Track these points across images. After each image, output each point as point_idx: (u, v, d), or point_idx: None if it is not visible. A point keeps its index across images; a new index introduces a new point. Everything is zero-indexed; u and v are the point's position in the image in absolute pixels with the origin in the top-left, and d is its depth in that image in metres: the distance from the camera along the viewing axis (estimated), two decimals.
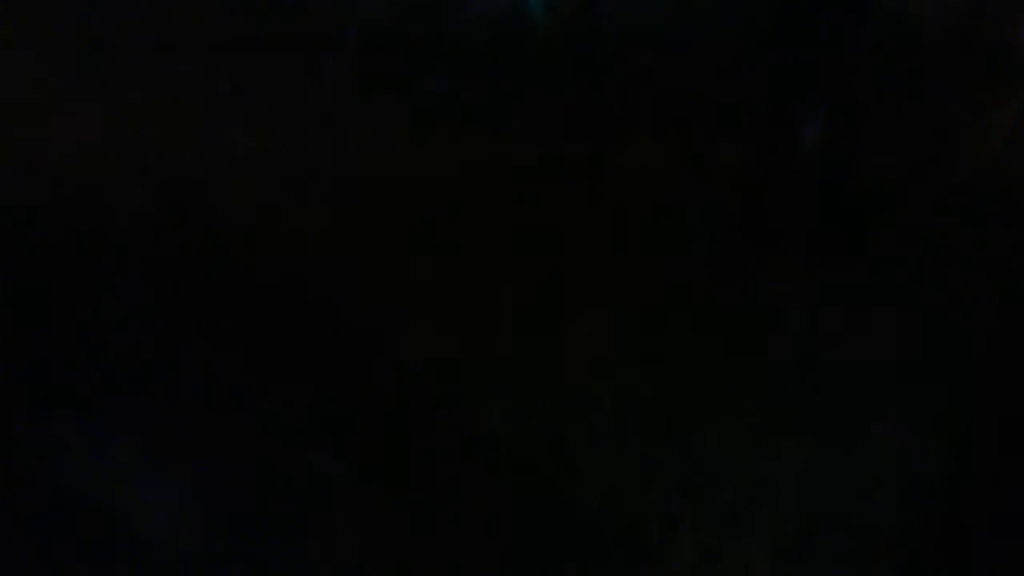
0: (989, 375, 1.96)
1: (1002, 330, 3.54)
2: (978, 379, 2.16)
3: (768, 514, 2.57)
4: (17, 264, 4.48)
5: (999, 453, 1.93)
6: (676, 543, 2.44)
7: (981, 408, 2.08)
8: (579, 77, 9.32)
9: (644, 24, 10.82)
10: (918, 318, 4.05)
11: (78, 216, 5.26)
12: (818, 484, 2.74)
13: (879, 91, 6.40)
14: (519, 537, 2.47)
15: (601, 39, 9.94)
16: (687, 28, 10.40)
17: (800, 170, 5.18)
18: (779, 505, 2.62)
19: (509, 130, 8.14)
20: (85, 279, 4.36)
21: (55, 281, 4.31)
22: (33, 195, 5.65)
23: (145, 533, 2.46)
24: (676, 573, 2.35)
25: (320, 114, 8.09)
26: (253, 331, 3.87)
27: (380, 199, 5.90)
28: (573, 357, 3.72)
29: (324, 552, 2.43)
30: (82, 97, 7.72)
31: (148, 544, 2.41)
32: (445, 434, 3.12)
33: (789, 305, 4.27)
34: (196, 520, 2.56)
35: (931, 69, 7.42)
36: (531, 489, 2.75)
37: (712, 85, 8.17)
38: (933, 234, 5.20)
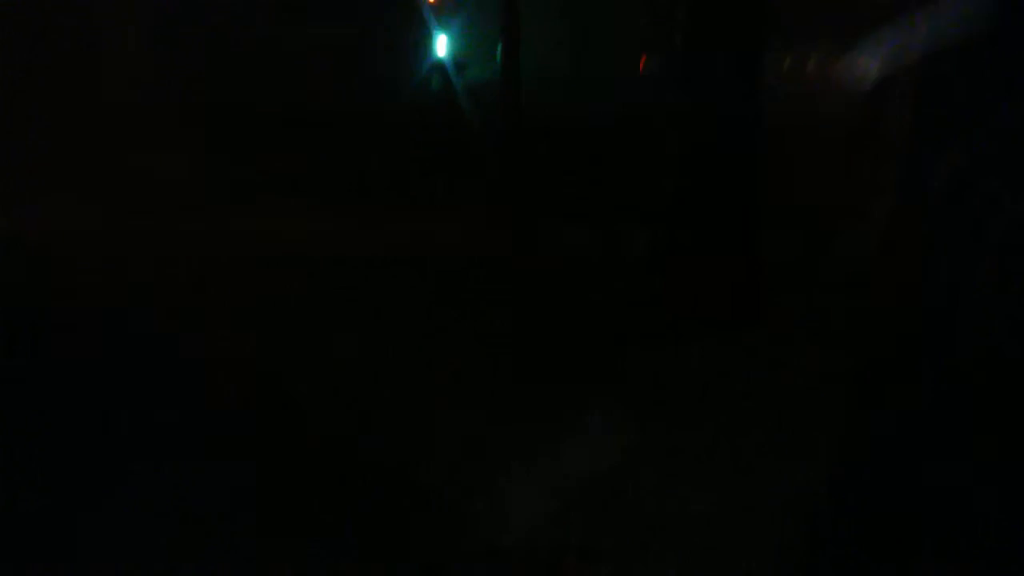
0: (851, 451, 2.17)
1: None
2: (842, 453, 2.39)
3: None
4: None
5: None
6: None
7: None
8: (496, 161, 9.78)
9: (558, 112, 11.41)
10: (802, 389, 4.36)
11: None
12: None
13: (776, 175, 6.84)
14: None
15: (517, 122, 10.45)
16: (598, 115, 10.97)
17: (701, 247, 5.48)
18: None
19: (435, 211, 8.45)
20: None
21: None
22: None
23: None
24: None
25: None
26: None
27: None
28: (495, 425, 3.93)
29: None
30: None
31: None
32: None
33: (691, 373, 4.55)
34: None
35: (817, 155, 7.94)
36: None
37: (621, 170, 8.63)
38: (823, 307, 5.53)
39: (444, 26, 13.76)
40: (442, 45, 13.18)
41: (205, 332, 5.09)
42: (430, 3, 13.87)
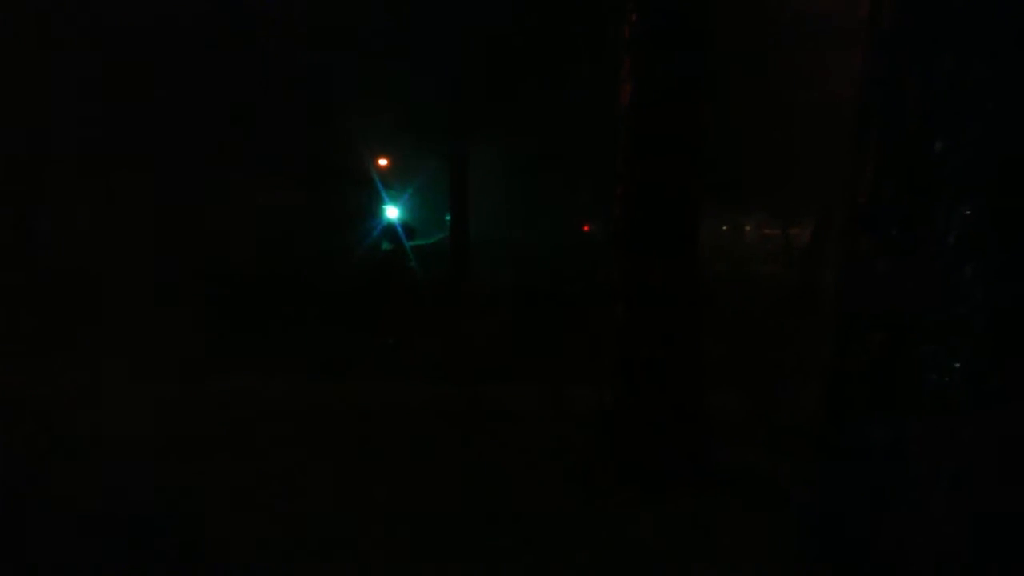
0: None
1: None
2: None
3: None
4: None
5: None
6: None
7: None
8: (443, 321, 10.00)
9: (503, 274, 11.75)
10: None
11: None
12: None
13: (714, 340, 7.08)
14: None
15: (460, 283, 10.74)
16: (541, 278, 11.33)
17: (643, 410, 5.56)
18: None
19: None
20: None
21: None
22: None
23: None
24: None
25: None
26: None
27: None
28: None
29: None
30: None
31: None
32: None
33: (630, 536, 4.53)
34: None
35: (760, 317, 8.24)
36: None
37: (566, 331, 8.84)
38: (764, 469, 5.60)
39: (396, 193, 14.26)
40: (393, 212, 13.64)
41: None
42: (382, 172, 14.42)
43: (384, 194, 13.62)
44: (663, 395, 5.61)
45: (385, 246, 13.15)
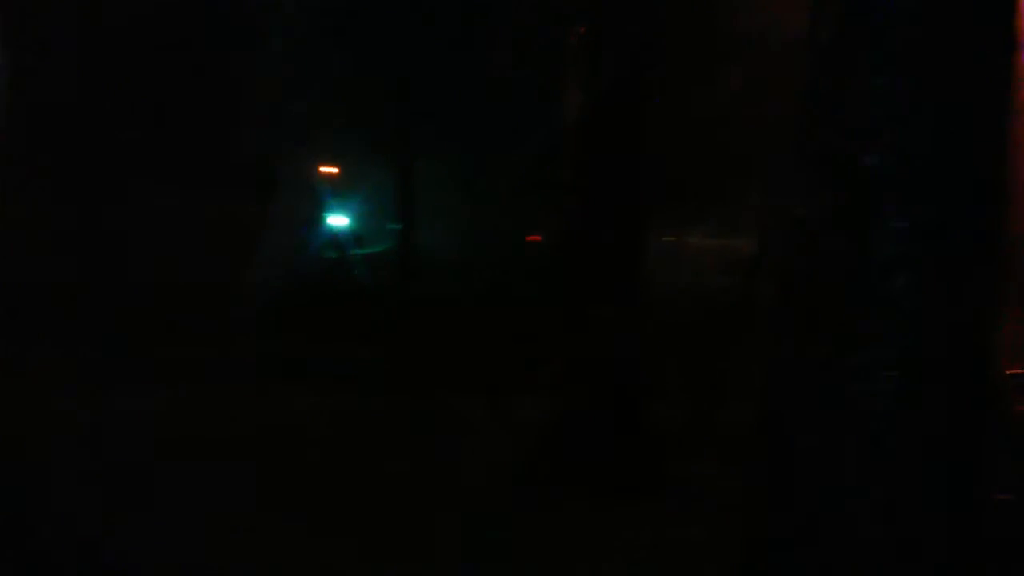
0: None
1: None
2: None
3: None
4: None
5: None
6: None
7: None
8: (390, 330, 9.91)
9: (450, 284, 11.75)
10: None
11: None
12: None
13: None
14: None
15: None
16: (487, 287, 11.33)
17: (595, 418, 5.59)
18: None
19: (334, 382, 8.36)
20: None
21: None
22: None
23: None
24: None
25: None
26: None
27: None
28: None
29: None
30: None
31: None
32: None
33: (580, 542, 4.55)
34: None
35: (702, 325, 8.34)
36: None
37: (513, 341, 8.82)
38: (710, 476, 5.66)
39: (344, 201, 14.16)
40: (341, 220, 13.54)
41: None
42: (330, 180, 14.31)
43: (332, 202, 13.49)
44: (610, 405, 5.65)
45: (330, 255, 13.00)
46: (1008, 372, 3.40)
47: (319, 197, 13.22)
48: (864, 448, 1.83)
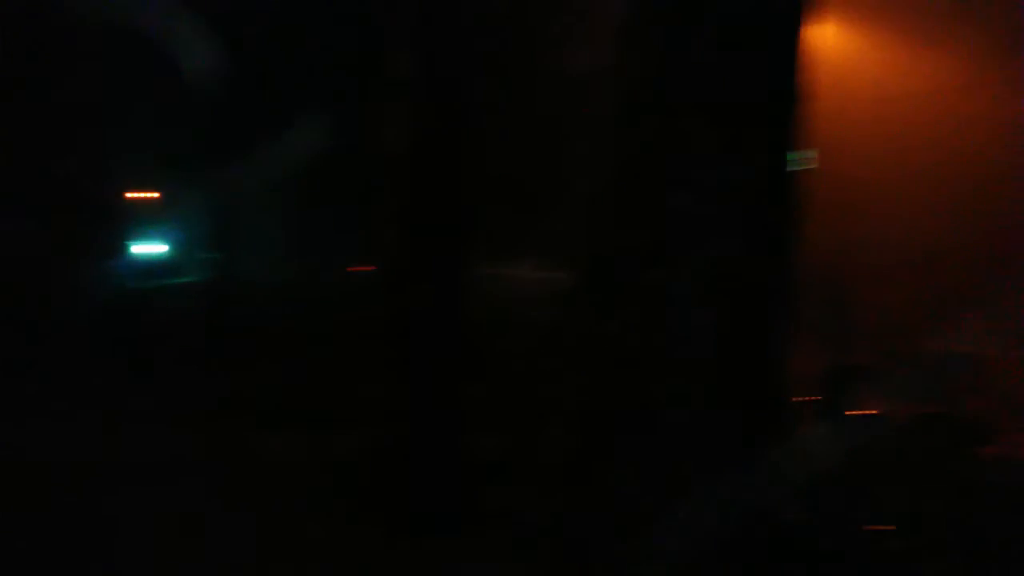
0: None
1: None
2: None
3: None
4: None
5: None
6: None
7: None
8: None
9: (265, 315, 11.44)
10: None
11: None
12: None
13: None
14: None
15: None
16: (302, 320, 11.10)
17: (411, 453, 5.54)
18: None
19: None
20: None
21: None
22: None
23: None
24: None
25: None
26: None
27: None
28: None
29: None
30: None
31: None
32: None
33: None
34: None
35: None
36: None
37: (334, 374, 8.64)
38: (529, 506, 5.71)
39: (156, 228, 13.46)
40: (154, 248, 12.86)
41: None
42: (141, 205, 13.59)
43: (140, 229, 12.75)
44: (431, 438, 5.64)
45: (130, 284, 12.22)
46: (795, 400, 3.63)
47: (128, 224, 12.50)
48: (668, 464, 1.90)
